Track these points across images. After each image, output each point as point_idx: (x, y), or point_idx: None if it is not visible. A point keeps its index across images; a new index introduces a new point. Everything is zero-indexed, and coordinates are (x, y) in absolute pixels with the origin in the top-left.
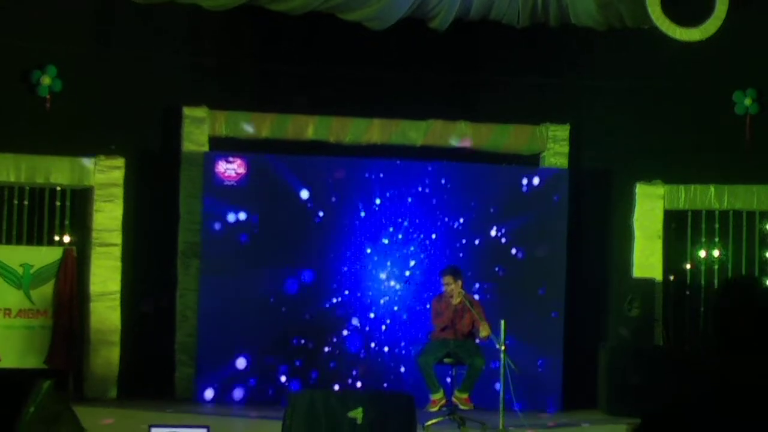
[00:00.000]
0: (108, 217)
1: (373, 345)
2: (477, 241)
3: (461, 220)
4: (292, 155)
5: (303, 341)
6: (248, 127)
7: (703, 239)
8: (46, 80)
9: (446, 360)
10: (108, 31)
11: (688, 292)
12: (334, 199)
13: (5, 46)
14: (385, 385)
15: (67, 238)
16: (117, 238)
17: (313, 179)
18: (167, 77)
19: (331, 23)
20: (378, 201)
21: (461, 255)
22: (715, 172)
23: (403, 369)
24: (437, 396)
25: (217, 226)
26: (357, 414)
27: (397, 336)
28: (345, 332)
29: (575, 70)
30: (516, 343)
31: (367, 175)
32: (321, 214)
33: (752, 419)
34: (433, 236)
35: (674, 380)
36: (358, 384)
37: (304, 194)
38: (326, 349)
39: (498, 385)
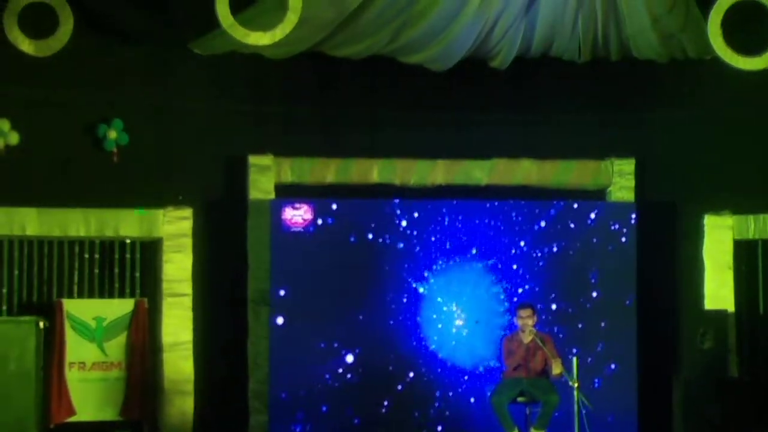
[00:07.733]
0: (178, 267)
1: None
2: (546, 276)
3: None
4: (359, 199)
5: (377, 387)
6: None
7: None
8: (112, 134)
9: (520, 399)
10: (171, 83)
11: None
12: (401, 244)
13: (70, 102)
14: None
15: (138, 290)
16: (187, 288)
17: (381, 223)
18: (231, 126)
19: (392, 66)
20: (448, 244)
21: (532, 290)
22: None
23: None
24: None
25: (285, 272)
26: None
27: (472, 377)
28: (417, 378)
29: (638, 104)
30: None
31: (433, 216)
32: (390, 258)
33: None
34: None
35: (751, 411)
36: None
37: (372, 238)
38: (401, 392)
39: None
